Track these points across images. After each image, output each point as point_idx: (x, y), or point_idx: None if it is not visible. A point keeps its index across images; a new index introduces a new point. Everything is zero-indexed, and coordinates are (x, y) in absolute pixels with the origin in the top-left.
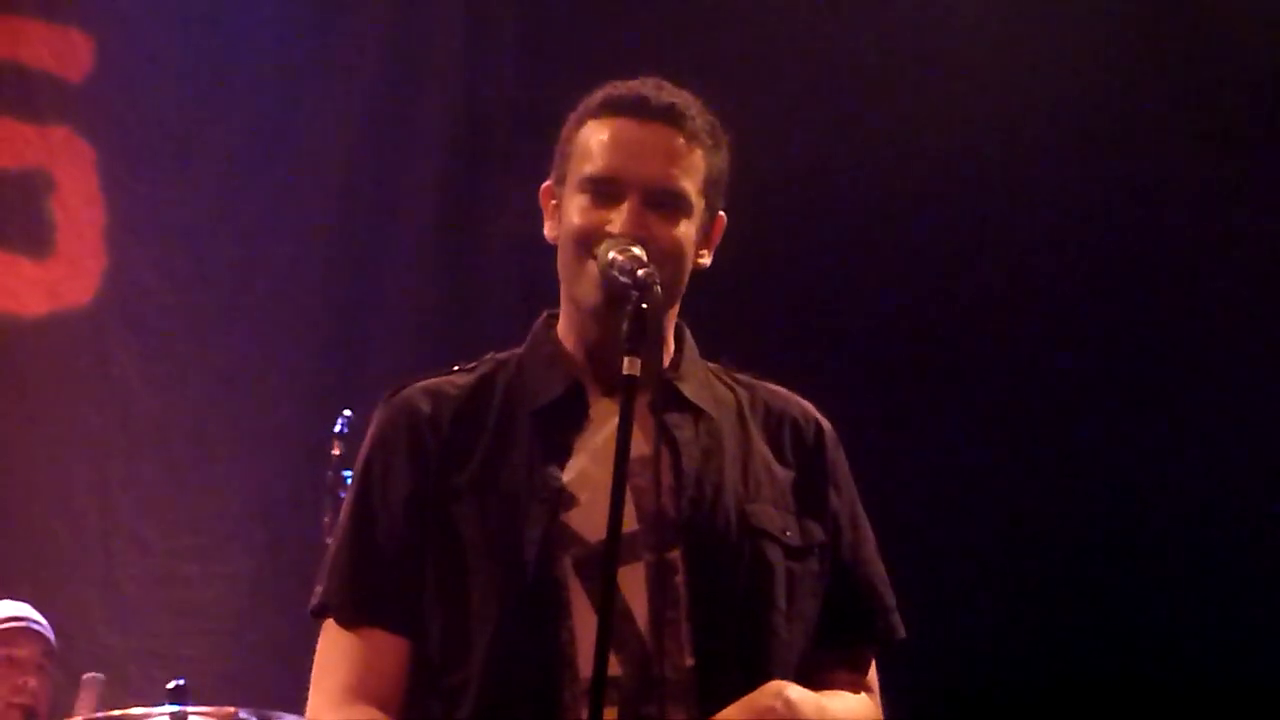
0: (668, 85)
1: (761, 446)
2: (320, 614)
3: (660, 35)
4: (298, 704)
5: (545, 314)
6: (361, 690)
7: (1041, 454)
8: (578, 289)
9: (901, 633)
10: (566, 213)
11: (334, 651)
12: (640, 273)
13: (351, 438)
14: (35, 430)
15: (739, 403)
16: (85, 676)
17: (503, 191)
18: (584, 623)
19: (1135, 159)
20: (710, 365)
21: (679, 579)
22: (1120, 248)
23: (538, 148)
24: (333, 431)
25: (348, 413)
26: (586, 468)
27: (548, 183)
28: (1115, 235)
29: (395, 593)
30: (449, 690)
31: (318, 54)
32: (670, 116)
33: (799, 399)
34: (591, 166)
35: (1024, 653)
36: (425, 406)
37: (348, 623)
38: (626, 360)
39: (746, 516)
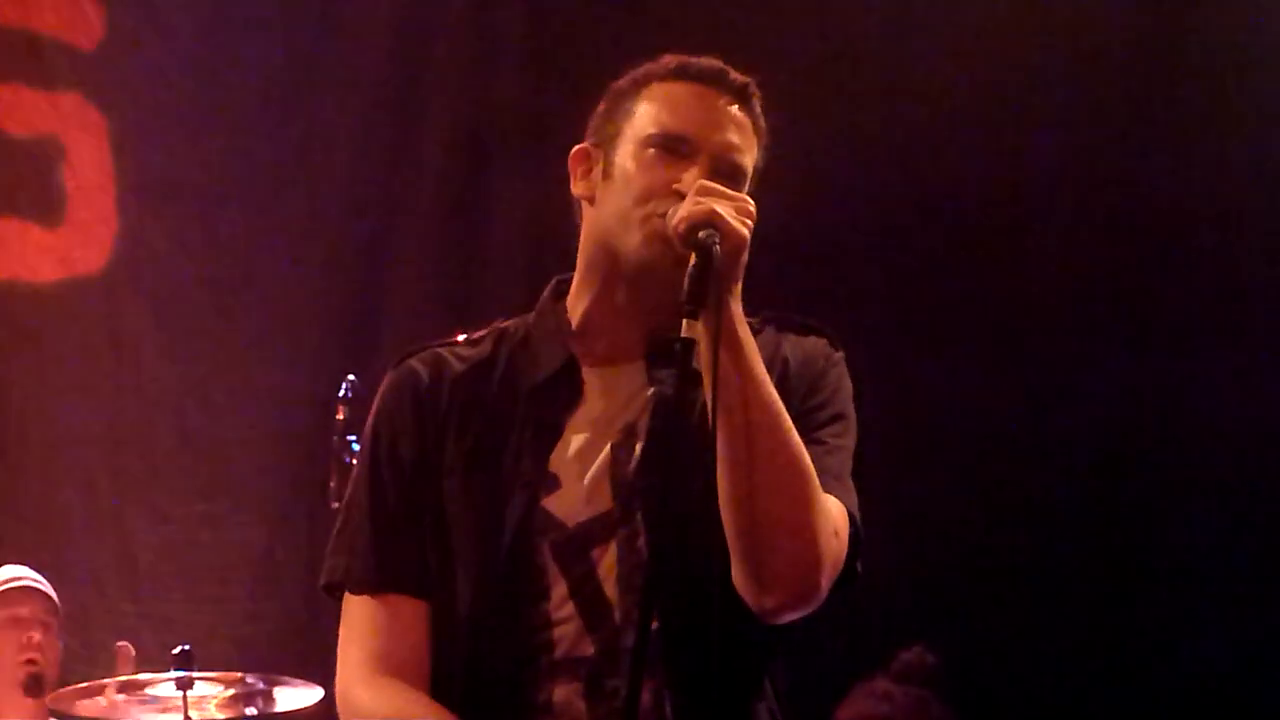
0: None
1: None
2: (335, 589)
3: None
4: (305, 671)
5: (555, 280)
6: (389, 660)
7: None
8: (627, 241)
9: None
10: (623, 168)
11: (358, 623)
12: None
13: (355, 403)
14: (47, 397)
15: None
16: (118, 645)
17: (517, 162)
18: (560, 606)
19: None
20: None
21: (640, 542)
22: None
23: (553, 120)
24: (337, 396)
25: (351, 377)
26: (573, 449)
27: (582, 145)
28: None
29: (412, 557)
30: (441, 663)
31: (330, 22)
32: (744, 95)
33: (814, 340)
34: (664, 122)
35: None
36: (426, 376)
37: (368, 591)
38: (685, 323)
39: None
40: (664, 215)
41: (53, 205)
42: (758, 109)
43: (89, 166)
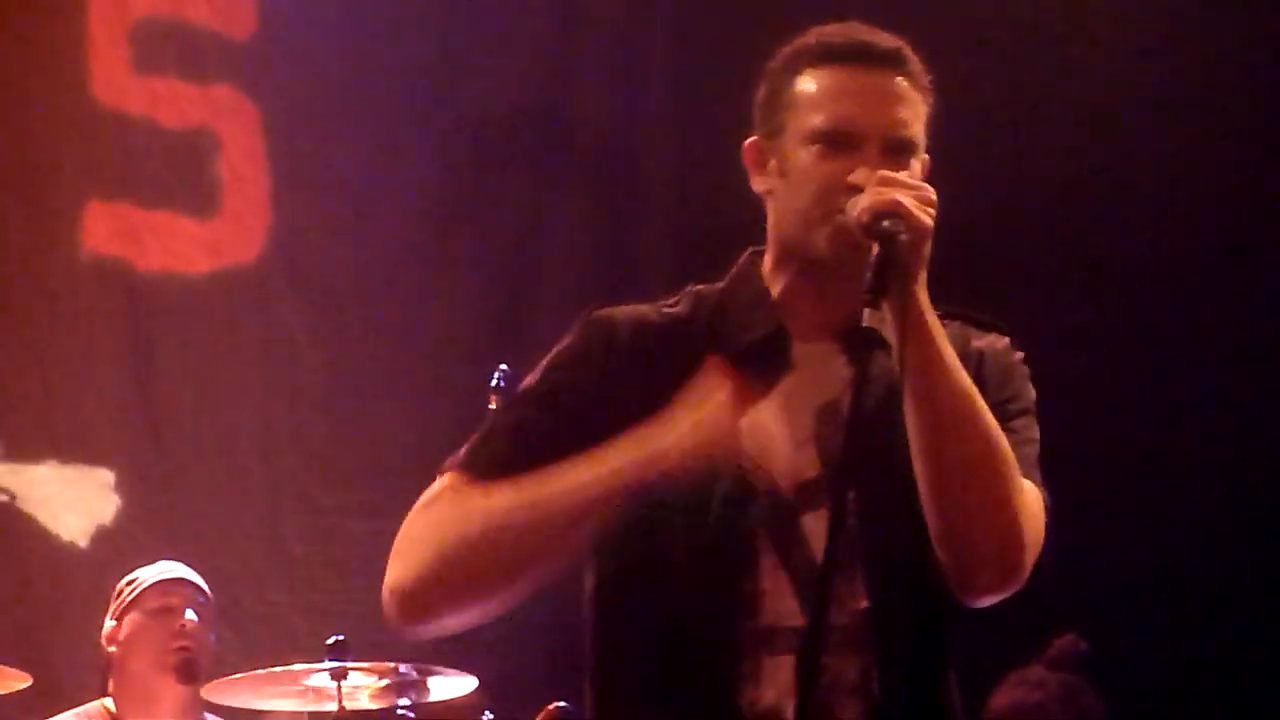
0: (874, 28)
1: None
2: (452, 468)
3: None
4: (459, 660)
5: (750, 250)
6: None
7: None
8: (812, 241)
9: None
10: (796, 166)
11: (450, 500)
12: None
13: (508, 392)
14: (201, 388)
15: None
16: None
17: (667, 159)
18: (769, 572)
19: None
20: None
21: (854, 522)
22: None
23: (696, 107)
24: (489, 385)
25: (504, 367)
26: (781, 415)
27: (753, 139)
28: None
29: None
30: (634, 627)
31: (479, 12)
32: (896, 61)
33: (996, 337)
34: (822, 118)
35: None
36: (626, 333)
37: (482, 479)
38: (867, 311)
39: None
40: (843, 211)
41: (206, 197)
42: (914, 67)
43: (242, 158)
